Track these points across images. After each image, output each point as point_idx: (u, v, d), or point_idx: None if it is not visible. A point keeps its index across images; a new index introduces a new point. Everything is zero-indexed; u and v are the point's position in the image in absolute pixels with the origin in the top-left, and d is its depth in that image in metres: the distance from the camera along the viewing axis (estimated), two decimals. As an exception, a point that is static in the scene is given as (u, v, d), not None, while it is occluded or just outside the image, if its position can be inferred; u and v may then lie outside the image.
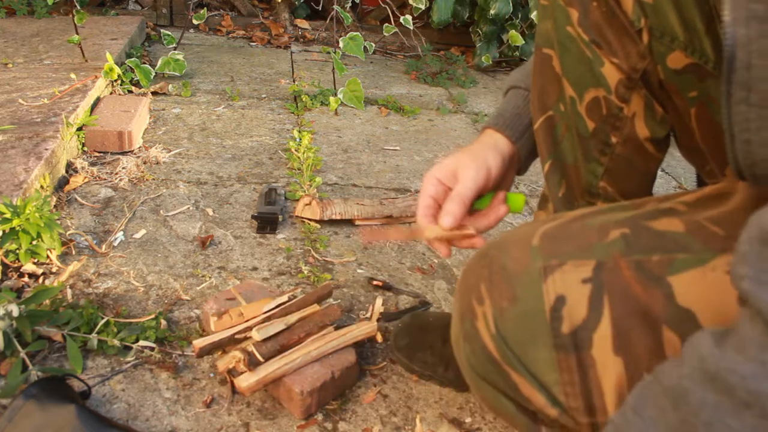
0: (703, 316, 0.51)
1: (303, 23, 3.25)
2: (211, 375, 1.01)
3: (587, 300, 0.55)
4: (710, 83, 0.63)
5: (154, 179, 1.60)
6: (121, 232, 1.36)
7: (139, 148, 1.75)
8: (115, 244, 1.32)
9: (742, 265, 0.42)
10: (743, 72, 0.47)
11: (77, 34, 2.05)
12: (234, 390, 0.97)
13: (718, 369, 0.40)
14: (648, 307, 0.53)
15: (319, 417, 0.95)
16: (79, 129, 1.66)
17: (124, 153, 1.71)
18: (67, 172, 1.55)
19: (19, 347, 0.97)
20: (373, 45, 2.70)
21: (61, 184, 1.51)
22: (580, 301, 0.55)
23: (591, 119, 0.72)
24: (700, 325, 0.50)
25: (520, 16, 2.86)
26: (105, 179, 1.57)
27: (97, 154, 1.69)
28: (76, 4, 2.11)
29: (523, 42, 2.80)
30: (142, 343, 1.03)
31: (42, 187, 1.37)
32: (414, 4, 2.77)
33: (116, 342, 1.02)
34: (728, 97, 0.49)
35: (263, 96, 2.31)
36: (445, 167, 0.79)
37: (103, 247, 1.30)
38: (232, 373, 0.96)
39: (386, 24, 2.75)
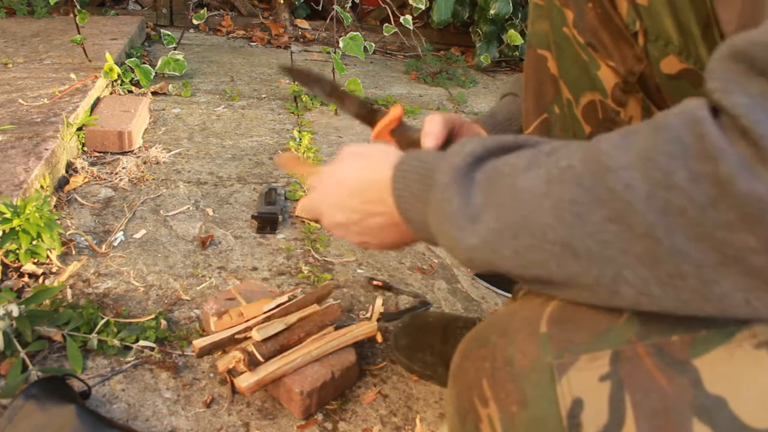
0: (735, 401, 0.46)
1: (303, 23, 3.25)
2: (211, 375, 1.01)
3: (607, 402, 0.48)
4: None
5: (154, 179, 1.60)
6: (121, 232, 1.36)
7: (139, 148, 1.75)
8: (115, 244, 1.32)
9: (712, 81, 0.42)
10: None
11: (79, 33, 2.05)
12: (234, 390, 0.97)
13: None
14: (674, 399, 0.47)
15: (319, 417, 0.95)
16: (79, 129, 1.66)
17: (124, 153, 1.71)
18: (67, 172, 1.55)
19: (19, 347, 0.97)
20: (373, 45, 2.70)
21: (61, 184, 1.51)
22: (599, 403, 0.49)
23: (587, 123, 0.71)
24: (733, 413, 0.46)
25: (520, 16, 2.86)
26: (105, 179, 1.57)
27: (97, 154, 1.69)
28: (77, 4, 2.11)
29: (523, 42, 2.80)
30: (142, 343, 1.03)
31: (42, 187, 1.37)
32: (414, 4, 2.77)
33: (116, 342, 1.02)
34: None
35: (263, 96, 2.31)
36: (448, 119, 0.82)
37: (103, 247, 1.30)
38: (232, 373, 0.96)
39: (386, 24, 2.75)
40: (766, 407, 0.46)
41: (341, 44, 2.27)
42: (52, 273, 1.19)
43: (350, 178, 0.65)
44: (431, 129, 0.80)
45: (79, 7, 2.09)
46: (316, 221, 0.68)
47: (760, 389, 0.46)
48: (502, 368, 0.53)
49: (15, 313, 0.96)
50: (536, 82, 0.75)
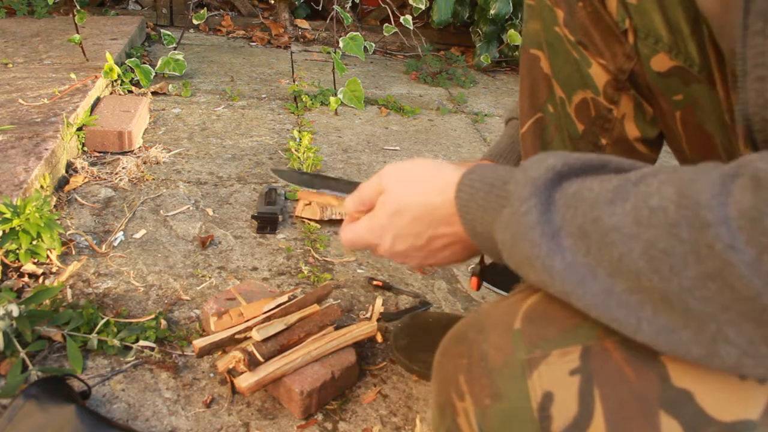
0: (701, 395, 0.47)
1: (303, 23, 3.25)
2: (211, 375, 1.01)
3: (577, 394, 0.49)
4: (696, 87, 0.62)
5: (154, 179, 1.60)
6: (121, 232, 1.36)
7: (139, 148, 1.75)
8: (115, 244, 1.32)
9: None
10: (762, 1, 0.43)
11: (78, 33, 2.05)
12: (234, 390, 0.97)
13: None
14: (642, 393, 0.48)
15: (319, 417, 0.95)
16: (79, 129, 1.66)
17: (124, 153, 1.71)
18: (67, 172, 1.55)
19: (19, 347, 0.97)
20: (373, 45, 2.70)
21: (61, 184, 1.51)
22: (569, 396, 0.50)
23: (580, 121, 0.71)
24: (699, 406, 0.47)
25: (520, 16, 2.86)
26: (105, 179, 1.57)
27: (97, 154, 1.69)
28: (77, 4, 2.11)
29: (523, 42, 2.80)
30: (142, 343, 1.03)
31: (42, 187, 1.37)
32: (414, 4, 2.77)
33: (116, 342, 1.02)
34: (744, 29, 0.45)
35: (263, 96, 2.31)
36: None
37: (103, 247, 1.30)
38: (232, 373, 0.96)
39: (386, 24, 2.75)
40: (730, 400, 0.46)
41: (341, 44, 2.27)
42: (52, 273, 1.19)
43: (408, 206, 0.62)
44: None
45: (78, 7, 2.09)
46: (367, 249, 0.68)
47: (725, 383, 0.47)
48: (477, 364, 0.54)
49: (15, 313, 0.96)
50: (530, 81, 0.76)
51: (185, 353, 1.04)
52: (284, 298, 1.05)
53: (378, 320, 1.14)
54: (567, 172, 0.49)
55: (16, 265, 1.18)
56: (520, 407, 0.51)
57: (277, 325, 0.98)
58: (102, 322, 1.04)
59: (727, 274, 0.39)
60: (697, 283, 0.41)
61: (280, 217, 1.45)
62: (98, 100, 1.89)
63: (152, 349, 1.03)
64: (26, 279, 1.16)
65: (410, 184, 0.63)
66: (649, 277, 0.43)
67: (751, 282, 0.38)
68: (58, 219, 1.33)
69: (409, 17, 2.73)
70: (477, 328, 0.57)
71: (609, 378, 0.49)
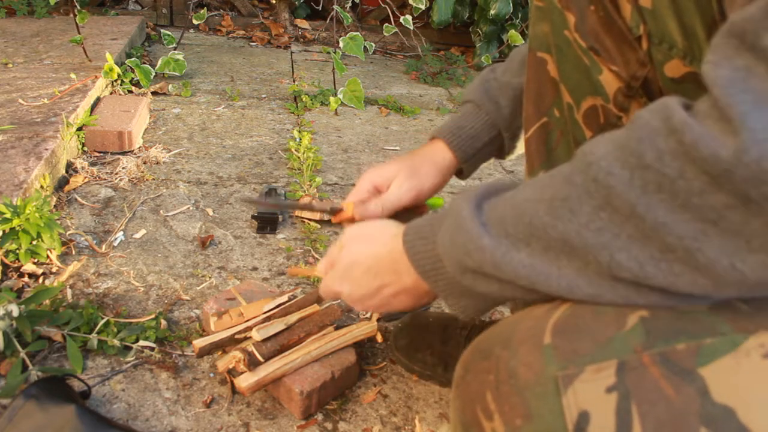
0: (743, 412, 0.45)
1: (303, 23, 3.25)
2: (211, 375, 1.01)
3: (614, 413, 0.48)
4: None
5: (154, 179, 1.60)
6: (121, 232, 1.36)
7: (139, 148, 1.75)
8: (115, 244, 1.32)
9: (709, 54, 0.45)
10: None
11: (79, 33, 2.05)
12: (234, 390, 0.97)
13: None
14: (682, 410, 0.47)
15: (319, 417, 0.95)
16: (79, 129, 1.66)
17: (124, 153, 1.71)
18: (67, 172, 1.55)
19: (19, 347, 0.97)
20: (373, 45, 2.70)
21: (61, 184, 1.51)
22: (606, 415, 0.48)
23: (588, 128, 0.70)
24: (741, 422, 0.45)
25: (520, 16, 2.86)
26: (105, 179, 1.57)
27: (97, 154, 1.69)
28: (77, 4, 2.11)
29: (523, 42, 2.80)
30: (142, 343, 1.03)
31: (42, 187, 1.37)
32: (414, 4, 2.77)
33: (116, 342, 1.02)
34: None
35: (263, 96, 2.31)
36: (383, 174, 0.90)
37: (103, 247, 1.30)
38: (232, 373, 0.96)
39: (386, 24, 2.75)
40: None
41: (341, 44, 2.27)
42: (52, 273, 1.19)
43: (359, 260, 0.72)
44: (356, 188, 0.91)
45: (79, 7, 2.10)
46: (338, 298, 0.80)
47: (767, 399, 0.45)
48: (505, 381, 0.53)
49: (15, 313, 0.96)
50: (536, 85, 0.75)
51: (185, 353, 1.04)
52: (284, 298, 1.05)
53: (378, 320, 1.14)
54: (494, 192, 0.59)
55: (16, 265, 1.18)
56: (555, 428, 0.49)
57: (277, 325, 0.98)
58: (102, 322, 1.04)
59: (611, 198, 0.47)
60: (592, 217, 0.48)
61: (280, 217, 1.45)
62: (98, 100, 1.89)
63: (152, 349, 1.03)
64: (26, 279, 1.16)
65: (362, 240, 0.73)
66: (554, 227, 0.50)
67: (629, 198, 0.46)
68: (58, 219, 1.33)
69: (409, 17, 2.73)
70: (503, 343, 0.55)
71: (647, 395, 0.48)
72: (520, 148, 0.96)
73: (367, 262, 0.71)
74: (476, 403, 0.55)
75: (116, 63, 2.00)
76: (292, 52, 2.94)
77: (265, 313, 1.02)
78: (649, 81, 0.63)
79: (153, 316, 1.09)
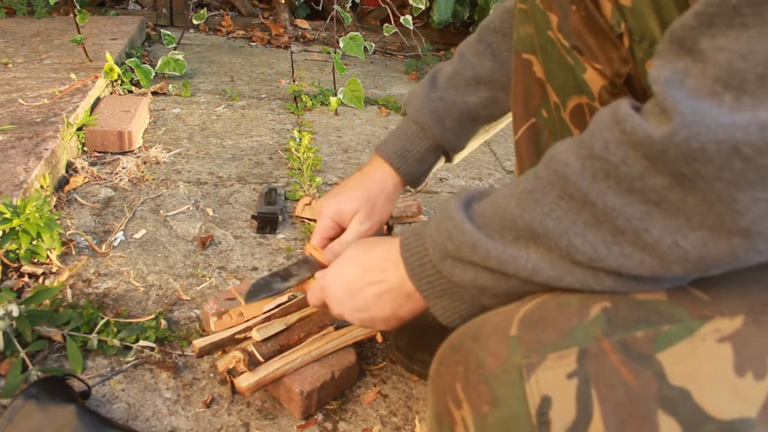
0: (699, 393, 0.47)
1: (303, 23, 3.25)
2: (211, 375, 1.01)
3: (575, 398, 0.50)
4: None
5: (154, 179, 1.60)
6: (121, 232, 1.36)
7: (139, 148, 1.75)
8: (115, 244, 1.32)
9: (655, 58, 0.49)
10: None
11: (79, 33, 2.05)
12: (234, 390, 0.97)
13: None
14: (640, 393, 0.49)
15: (319, 417, 0.95)
16: (79, 129, 1.66)
17: (124, 153, 1.71)
18: (67, 172, 1.55)
19: (19, 347, 0.97)
20: (373, 45, 2.70)
21: (61, 184, 1.51)
22: (567, 400, 0.50)
23: (576, 127, 0.71)
24: (697, 404, 0.47)
25: (520, 16, 2.86)
26: (105, 179, 1.57)
27: (97, 154, 1.69)
28: (77, 4, 2.11)
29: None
30: (142, 343, 1.03)
31: (42, 187, 1.37)
32: (414, 4, 2.77)
33: (116, 342, 1.02)
34: None
35: (263, 96, 2.31)
36: (343, 211, 0.96)
37: (103, 247, 1.30)
38: (232, 373, 0.96)
39: (386, 24, 2.75)
40: (729, 398, 0.47)
41: (341, 44, 2.28)
42: (52, 273, 1.19)
43: (358, 258, 0.77)
44: (319, 226, 0.98)
45: (79, 7, 2.10)
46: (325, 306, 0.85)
47: (723, 381, 0.47)
48: (474, 371, 0.55)
49: (15, 313, 0.96)
50: (523, 86, 0.75)
51: (185, 353, 1.04)
52: (284, 298, 1.05)
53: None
54: (486, 193, 0.63)
55: (16, 265, 1.18)
56: (519, 413, 0.51)
57: (277, 325, 0.98)
58: (102, 322, 1.04)
59: (567, 187, 0.51)
60: (553, 206, 0.53)
61: (280, 217, 1.45)
62: (98, 100, 1.89)
63: (152, 349, 1.03)
64: (26, 279, 1.16)
65: (362, 246, 0.79)
66: (521, 216, 0.55)
67: (581, 186, 0.50)
68: (58, 219, 1.33)
69: (409, 17, 2.73)
70: (474, 337, 0.58)
71: (606, 380, 0.50)
72: (467, 150, 1.03)
73: (361, 258, 0.76)
74: (447, 393, 0.57)
75: (116, 63, 2.00)
76: (292, 52, 2.94)
77: (265, 313, 1.02)
78: (633, 78, 0.63)
79: (153, 316, 1.09)
